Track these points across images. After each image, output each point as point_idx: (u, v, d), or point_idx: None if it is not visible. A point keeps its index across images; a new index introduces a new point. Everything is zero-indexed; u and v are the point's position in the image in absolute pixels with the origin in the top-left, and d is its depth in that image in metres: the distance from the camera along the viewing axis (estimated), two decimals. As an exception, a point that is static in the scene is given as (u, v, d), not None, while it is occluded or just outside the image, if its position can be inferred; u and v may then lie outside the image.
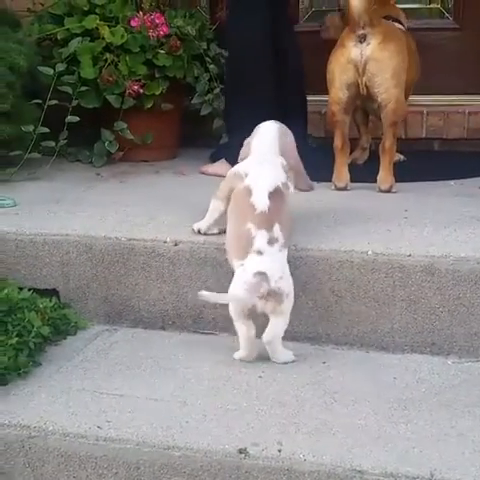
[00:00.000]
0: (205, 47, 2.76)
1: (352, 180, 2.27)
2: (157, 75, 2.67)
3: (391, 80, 2.13)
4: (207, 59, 2.74)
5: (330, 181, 2.28)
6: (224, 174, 2.00)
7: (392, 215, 1.99)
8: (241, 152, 1.86)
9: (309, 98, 2.67)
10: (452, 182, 2.33)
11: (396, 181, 2.23)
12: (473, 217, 1.95)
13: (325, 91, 2.36)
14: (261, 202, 1.67)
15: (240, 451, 1.39)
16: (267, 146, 1.79)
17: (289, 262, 1.76)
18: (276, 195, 1.69)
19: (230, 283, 1.81)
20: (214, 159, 2.73)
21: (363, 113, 2.59)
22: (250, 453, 1.39)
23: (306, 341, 1.78)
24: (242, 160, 1.83)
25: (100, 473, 1.46)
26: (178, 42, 2.66)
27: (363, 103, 2.37)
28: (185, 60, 2.69)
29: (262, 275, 1.61)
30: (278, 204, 1.68)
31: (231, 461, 1.39)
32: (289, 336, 1.78)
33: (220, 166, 2.44)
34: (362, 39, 2.13)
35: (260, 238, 1.65)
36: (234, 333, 1.83)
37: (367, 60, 2.12)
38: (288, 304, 1.64)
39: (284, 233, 1.67)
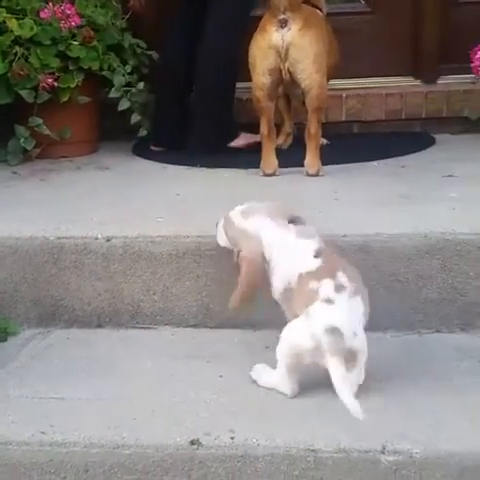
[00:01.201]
0: (120, 37, 2.70)
1: (279, 166, 2.28)
2: (71, 67, 2.59)
3: (313, 66, 2.15)
4: (126, 51, 2.67)
5: (258, 167, 2.29)
6: (247, 142, 2.41)
7: (323, 198, 2.02)
8: (225, 233, 1.62)
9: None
10: (375, 163, 2.39)
11: (322, 164, 2.26)
12: (401, 195, 2.00)
13: (246, 78, 2.36)
14: (312, 263, 1.47)
15: (192, 442, 1.38)
16: (281, 234, 1.54)
17: (226, 251, 1.76)
18: (322, 253, 1.49)
19: (166, 276, 1.79)
20: (137, 152, 2.69)
21: (285, 99, 2.61)
22: (203, 443, 1.37)
23: (248, 328, 1.78)
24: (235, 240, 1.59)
25: (47, 479, 1.40)
26: (92, 32, 2.59)
27: (286, 89, 2.39)
28: (100, 51, 2.62)
29: (335, 332, 1.38)
30: (330, 257, 1.49)
31: (184, 453, 1.37)
32: (229, 324, 1.79)
33: (242, 138, 2.58)
34: (283, 24, 2.13)
35: (325, 286, 1.42)
36: (174, 325, 1.82)
37: (288, 46, 2.13)
38: (362, 357, 1.43)
39: (351, 281, 1.44)
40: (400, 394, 1.47)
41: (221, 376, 1.58)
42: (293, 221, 1.57)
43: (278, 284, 1.54)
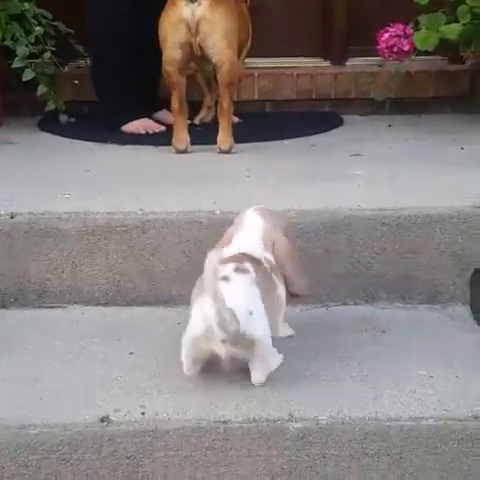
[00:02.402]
0: (27, 7, 2.58)
1: (192, 143, 2.27)
2: (-29, 37, 2.46)
3: (223, 41, 2.15)
4: (30, 20, 2.56)
5: (170, 144, 2.27)
6: (144, 130, 2.37)
7: (235, 174, 2.03)
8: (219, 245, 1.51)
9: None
10: (286, 141, 2.42)
11: (235, 142, 2.27)
12: (310, 173, 2.04)
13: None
14: (231, 252, 1.41)
15: (102, 419, 1.36)
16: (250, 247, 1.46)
17: (137, 227, 1.75)
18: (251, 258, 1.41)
19: (74, 254, 1.76)
20: (43, 127, 2.60)
21: (204, 73, 2.59)
22: (113, 420, 1.36)
23: (159, 304, 1.77)
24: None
25: None
26: (-7, 1, 2.47)
27: (197, 64, 2.37)
28: (2, 21, 2.50)
29: (227, 311, 1.27)
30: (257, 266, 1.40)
31: (93, 431, 1.36)
32: (141, 301, 1.78)
33: (142, 124, 2.47)
34: None
35: (226, 268, 1.34)
36: (83, 304, 1.78)
37: (199, 20, 2.13)
38: (262, 347, 1.35)
39: (259, 278, 1.37)
40: (307, 365, 1.51)
41: (132, 353, 1.57)
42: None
43: None
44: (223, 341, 1.29)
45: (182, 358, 1.44)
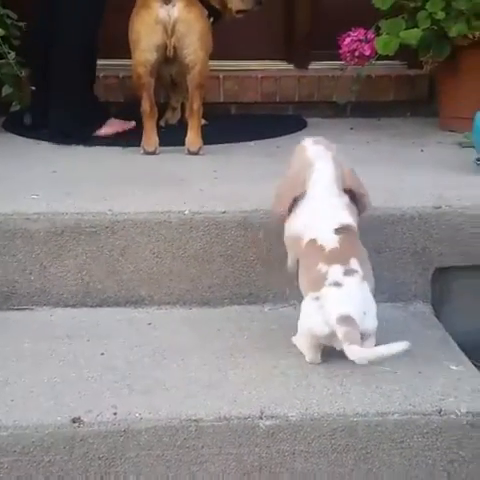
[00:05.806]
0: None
1: (160, 145, 2.28)
2: None
3: (198, 42, 2.18)
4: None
5: (138, 146, 2.27)
6: (117, 130, 2.32)
7: (203, 175, 2.05)
8: (287, 181, 1.61)
9: (104, 62, 2.62)
10: (252, 143, 2.45)
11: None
12: (276, 173, 2.03)
13: (124, 55, 2.33)
14: (329, 240, 1.49)
15: (74, 420, 1.37)
16: (328, 189, 1.55)
17: (106, 228, 1.76)
18: (344, 231, 1.50)
19: (43, 255, 1.75)
20: (6, 127, 2.57)
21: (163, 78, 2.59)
22: (84, 421, 1.37)
23: (129, 305, 1.78)
24: (286, 195, 1.58)
25: None
26: (-44, 1, 2.42)
27: (159, 68, 2.35)
28: (-33, 21, 2.46)
29: (348, 319, 1.40)
30: (350, 239, 1.50)
31: (64, 432, 1.36)
32: (110, 302, 1.78)
33: (112, 125, 2.43)
34: (167, 1, 2.13)
35: (334, 271, 1.45)
36: (52, 306, 1.78)
37: (175, 22, 2.14)
38: (373, 338, 1.47)
39: (362, 266, 1.47)
40: (277, 362, 1.54)
41: (103, 354, 1.58)
42: (351, 192, 1.57)
43: (293, 225, 1.57)
44: (348, 344, 1.39)
45: (302, 349, 1.53)
